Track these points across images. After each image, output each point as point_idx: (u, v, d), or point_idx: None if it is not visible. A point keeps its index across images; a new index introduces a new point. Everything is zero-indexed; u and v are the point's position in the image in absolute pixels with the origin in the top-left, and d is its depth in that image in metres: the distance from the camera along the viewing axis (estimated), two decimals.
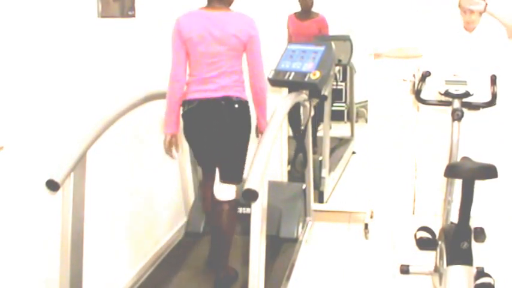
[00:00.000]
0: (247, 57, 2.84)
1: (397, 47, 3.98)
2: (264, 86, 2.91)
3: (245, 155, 2.92)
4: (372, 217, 4.05)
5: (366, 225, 3.95)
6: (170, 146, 2.95)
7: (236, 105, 2.81)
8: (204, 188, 3.14)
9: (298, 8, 5.06)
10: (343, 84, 5.93)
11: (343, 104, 5.99)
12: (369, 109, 4.10)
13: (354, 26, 5.09)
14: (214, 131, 2.83)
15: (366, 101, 6.08)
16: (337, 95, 5.78)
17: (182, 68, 2.84)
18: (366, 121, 6.16)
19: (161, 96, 3.03)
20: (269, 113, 2.88)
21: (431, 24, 3.92)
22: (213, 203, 2.97)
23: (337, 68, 4.66)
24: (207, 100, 2.81)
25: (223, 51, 2.77)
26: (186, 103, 2.86)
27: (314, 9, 5.04)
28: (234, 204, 2.94)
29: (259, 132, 3.03)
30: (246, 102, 2.87)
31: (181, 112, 2.91)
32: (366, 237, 3.92)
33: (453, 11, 3.62)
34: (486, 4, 3.46)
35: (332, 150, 4.95)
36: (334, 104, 5.57)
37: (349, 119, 5.71)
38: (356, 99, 5.78)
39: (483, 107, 3.46)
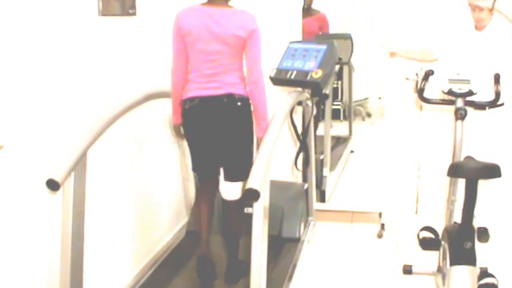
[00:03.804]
0: (245, 53, 2.80)
1: (412, 47, 3.95)
2: (260, 84, 2.82)
3: (251, 151, 2.90)
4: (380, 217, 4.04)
5: (383, 226, 3.95)
6: (179, 136, 3.04)
7: (239, 103, 2.79)
8: (199, 204, 3.09)
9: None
10: (338, 82, 5.91)
11: (339, 103, 5.98)
12: (384, 107, 4.08)
13: (350, 25, 5.08)
14: (217, 128, 2.82)
15: (364, 99, 6.08)
16: (333, 93, 5.77)
17: (182, 61, 2.84)
18: (363, 119, 6.14)
19: (162, 95, 3.02)
20: (271, 112, 2.85)
21: (442, 22, 3.90)
22: (222, 202, 3.05)
23: (336, 66, 4.64)
24: (209, 98, 2.79)
25: (222, 49, 2.74)
26: (187, 101, 2.83)
27: (314, 6, 5.02)
28: (240, 203, 2.98)
29: (258, 138, 2.91)
30: (248, 98, 2.85)
31: (181, 110, 2.89)
32: (380, 237, 3.91)
33: (465, 11, 3.60)
34: (494, 1, 3.42)
35: (331, 149, 4.94)
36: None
37: (346, 117, 5.68)
38: (353, 98, 5.76)
39: (486, 105, 3.44)
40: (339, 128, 5.60)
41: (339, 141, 5.43)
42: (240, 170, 2.88)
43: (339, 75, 5.72)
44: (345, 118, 5.75)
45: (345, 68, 5.45)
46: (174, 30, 2.81)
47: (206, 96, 2.79)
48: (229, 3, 2.83)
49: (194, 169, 3.03)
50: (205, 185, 3.07)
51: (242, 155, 2.89)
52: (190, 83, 2.84)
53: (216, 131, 2.82)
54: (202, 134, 2.86)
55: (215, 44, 2.73)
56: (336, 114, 5.95)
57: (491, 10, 3.45)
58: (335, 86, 5.77)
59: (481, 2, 3.43)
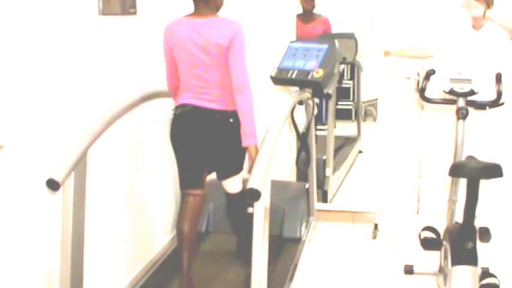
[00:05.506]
0: (228, 62, 2.69)
1: (407, 46, 3.95)
2: (244, 90, 2.68)
3: (244, 154, 2.85)
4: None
5: (376, 226, 3.94)
6: None
7: (231, 120, 2.75)
8: (181, 214, 2.85)
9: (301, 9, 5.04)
10: (350, 82, 5.88)
11: (351, 103, 5.94)
12: (378, 107, 4.09)
13: (362, 25, 5.07)
14: (206, 141, 2.78)
15: (375, 100, 6.06)
16: (344, 93, 5.74)
17: (175, 72, 2.84)
18: (374, 120, 6.13)
19: (163, 94, 3.01)
20: (271, 113, 2.84)
21: (440, 22, 3.90)
22: (226, 194, 3.06)
23: (342, 66, 4.63)
24: (202, 109, 2.75)
25: (207, 60, 2.69)
26: (179, 107, 2.81)
27: (320, 9, 5.02)
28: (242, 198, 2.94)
29: (248, 152, 2.75)
30: None
31: (171, 115, 2.85)
32: (374, 237, 3.90)
33: (463, 10, 3.60)
34: (485, 10, 3.45)
35: (338, 149, 4.92)
36: (342, 103, 5.54)
37: (356, 117, 5.66)
38: (364, 98, 5.74)
39: (488, 105, 3.44)
40: (350, 129, 5.58)
41: (347, 142, 5.41)
42: (234, 167, 2.92)
43: (351, 75, 5.72)
44: (356, 118, 5.75)
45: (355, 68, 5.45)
46: (164, 44, 2.81)
47: (199, 106, 2.75)
48: (218, 12, 2.77)
49: (182, 187, 2.88)
50: (190, 198, 2.86)
51: (234, 160, 2.90)
52: (184, 91, 2.81)
53: (205, 143, 2.79)
54: (189, 142, 2.81)
55: (200, 55, 2.69)
56: (347, 114, 5.95)
57: (483, 16, 3.49)
58: (347, 86, 5.77)
59: (472, 11, 3.47)
